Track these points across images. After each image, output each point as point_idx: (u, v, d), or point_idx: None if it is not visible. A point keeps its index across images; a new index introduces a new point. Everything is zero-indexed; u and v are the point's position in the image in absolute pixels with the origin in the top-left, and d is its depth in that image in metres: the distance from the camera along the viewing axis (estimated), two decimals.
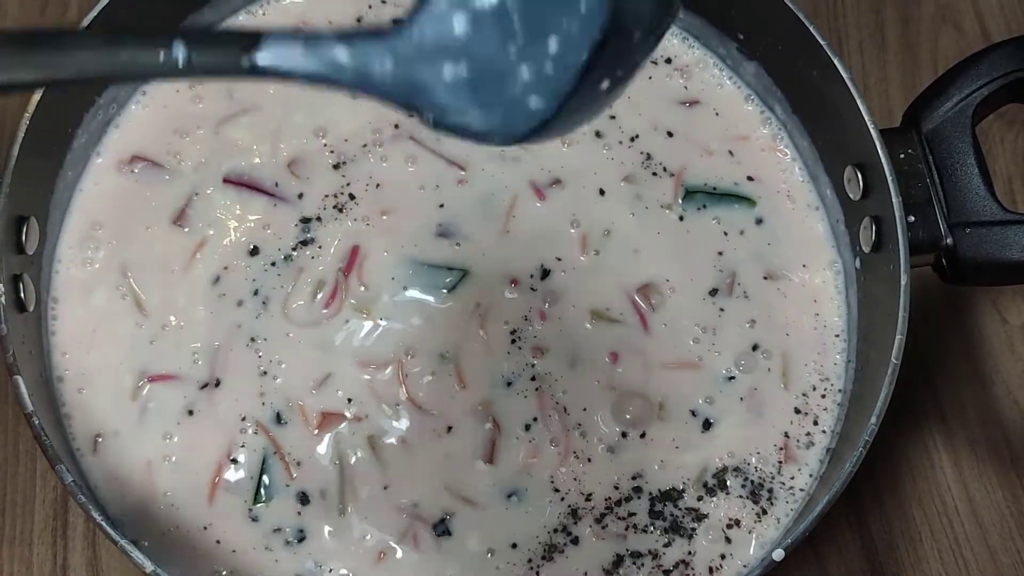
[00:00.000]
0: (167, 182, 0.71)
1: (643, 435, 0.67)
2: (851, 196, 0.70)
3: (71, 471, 0.58)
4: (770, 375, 0.69)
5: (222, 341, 0.68)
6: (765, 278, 0.72)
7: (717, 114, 0.76)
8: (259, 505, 0.65)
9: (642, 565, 0.64)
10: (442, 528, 0.65)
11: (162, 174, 0.72)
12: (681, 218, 0.73)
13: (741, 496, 0.66)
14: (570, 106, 0.41)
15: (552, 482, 0.66)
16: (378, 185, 0.72)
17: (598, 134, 0.74)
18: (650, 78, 0.76)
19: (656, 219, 0.72)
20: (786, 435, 0.68)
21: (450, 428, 0.66)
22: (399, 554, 0.64)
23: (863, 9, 0.92)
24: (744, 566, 0.65)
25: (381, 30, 0.41)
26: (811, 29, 0.69)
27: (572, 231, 0.71)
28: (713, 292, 0.71)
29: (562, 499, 0.66)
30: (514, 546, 0.65)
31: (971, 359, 0.81)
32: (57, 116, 0.67)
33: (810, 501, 0.65)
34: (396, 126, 0.73)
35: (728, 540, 0.65)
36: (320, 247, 0.70)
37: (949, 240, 0.66)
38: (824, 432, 0.68)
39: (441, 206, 0.71)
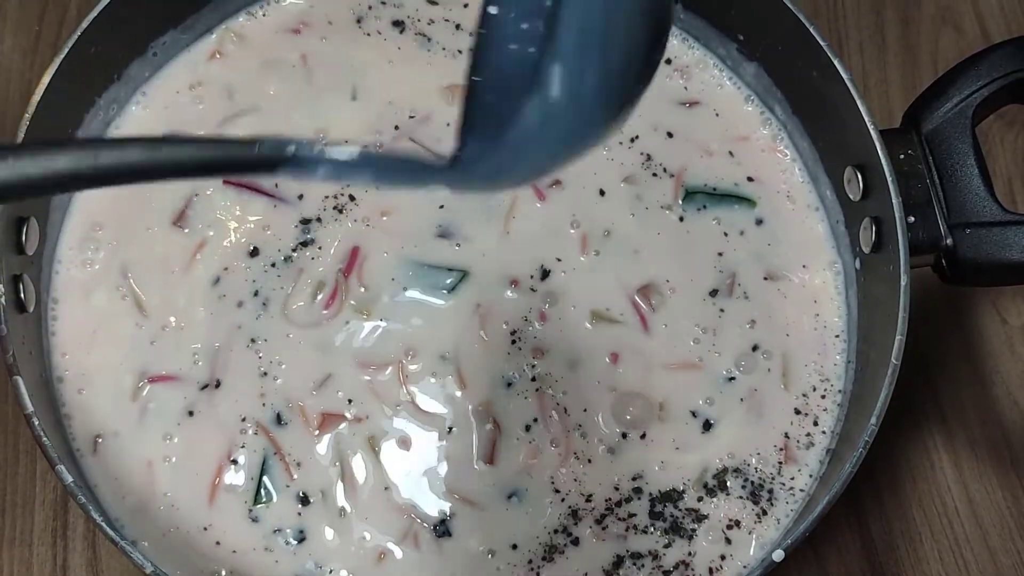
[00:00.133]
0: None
1: (643, 436, 0.67)
2: (851, 197, 0.70)
3: (71, 471, 0.58)
4: (770, 376, 0.69)
5: (222, 342, 0.68)
6: (765, 279, 0.72)
7: (717, 115, 0.76)
8: (259, 506, 0.65)
9: (642, 566, 0.64)
10: (442, 529, 0.65)
11: None
12: (681, 219, 0.73)
13: (741, 497, 0.66)
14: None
15: (552, 483, 0.66)
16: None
17: None
18: None
19: (656, 220, 0.72)
20: (786, 436, 0.68)
21: (450, 428, 0.66)
22: (399, 555, 0.64)
23: (863, 10, 0.92)
24: (744, 567, 0.65)
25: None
26: (811, 30, 0.69)
27: (572, 232, 0.71)
28: (713, 293, 0.71)
29: (562, 500, 0.66)
30: (514, 547, 0.64)
31: (971, 359, 0.81)
32: (58, 116, 0.67)
33: (810, 502, 0.65)
34: (396, 127, 0.73)
35: (728, 541, 0.65)
36: (320, 248, 0.70)
37: (949, 241, 0.66)
38: (824, 433, 0.68)
39: (441, 207, 0.71)
